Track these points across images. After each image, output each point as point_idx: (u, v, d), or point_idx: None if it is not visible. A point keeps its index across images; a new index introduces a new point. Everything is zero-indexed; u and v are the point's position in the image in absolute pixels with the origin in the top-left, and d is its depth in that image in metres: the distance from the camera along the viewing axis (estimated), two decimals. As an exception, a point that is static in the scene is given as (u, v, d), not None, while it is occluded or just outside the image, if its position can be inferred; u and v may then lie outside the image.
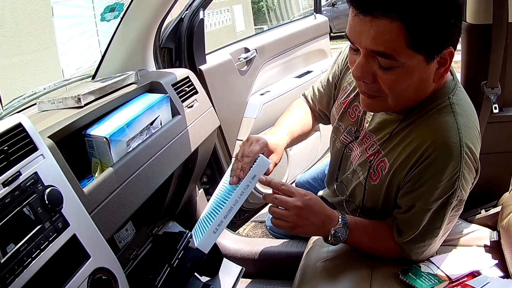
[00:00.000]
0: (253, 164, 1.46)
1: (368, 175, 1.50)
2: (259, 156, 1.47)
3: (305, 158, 3.31)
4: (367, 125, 1.55)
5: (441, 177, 1.30)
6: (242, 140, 2.64)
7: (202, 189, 2.52)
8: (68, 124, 1.42)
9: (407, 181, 1.38)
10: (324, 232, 1.47)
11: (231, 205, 1.40)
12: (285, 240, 2.51)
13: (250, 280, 2.47)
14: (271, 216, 1.46)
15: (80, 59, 6.88)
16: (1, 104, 1.58)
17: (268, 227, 2.58)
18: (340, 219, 1.46)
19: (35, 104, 1.72)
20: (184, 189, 2.11)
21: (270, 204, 1.45)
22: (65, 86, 2.08)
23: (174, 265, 1.82)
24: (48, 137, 1.31)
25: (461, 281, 1.39)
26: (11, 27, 6.05)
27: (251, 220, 3.31)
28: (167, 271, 1.80)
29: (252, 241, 2.59)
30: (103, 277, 1.20)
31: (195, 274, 2.06)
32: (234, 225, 3.00)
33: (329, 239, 1.47)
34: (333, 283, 1.51)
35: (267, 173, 1.47)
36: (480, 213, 1.76)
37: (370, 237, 1.53)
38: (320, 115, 1.93)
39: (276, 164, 1.60)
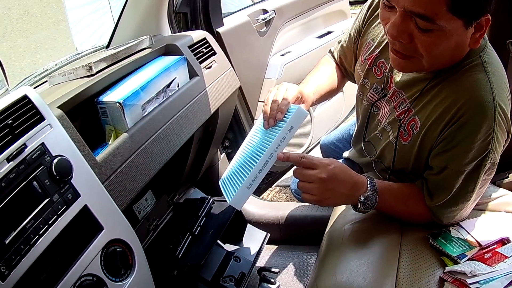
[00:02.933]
0: (287, 113, 1.40)
1: (399, 134, 1.44)
2: (290, 106, 1.42)
3: (329, 119, 3.21)
4: (395, 82, 1.47)
5: (475, 138, 1.25)
6: (263, 102, 2.59)
7: (224, 154, 2.45)
8: (79, 93, 1.36)
9: (440, 141, 1.31)
10: (353, 200, 1.39)
11: (266, 159, 1.32)
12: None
13: (275, 246, 2.41)
14: (295, 179, 1.38)
15: (94, 36, 6.86)
16: (6, 79, 1.50)
17: (293, 191, 2.49)
18: (369, 185, 1.38)
19: (47, 81, 1.64)
20: (205, 153, 2.04)
21: (295, 167, 1.37)
22: (77, 60, 2.00)
23: (196, 233, 1.76)
24: (58, 107, 1.24)
25: (490, 248, 1.33)
26: (19, 9, 5.99)
27: (275, 184, 3.24)
28: (189, 240, 1.74)
29: (276, 205, 2.52)
30: (118, 249, 1.14)
31: (218, 241, 2.00)
32: (258, 190, 2.92)
33: (359, 207, 1.39)
34: (362, 248, 1.43)
35: None
36: (508, 177, 1.67)
37: (399, 202, 1.46)
38: (347, 72, 1.85)
39: None
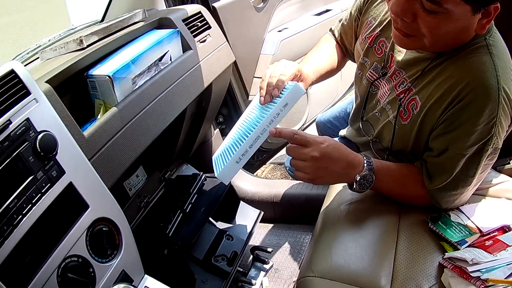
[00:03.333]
0: (284, 90, 1.36)
1: (398, 114, 1.40)
2: (288, 84, 1.38)
3: (325, 97, 3.16)
4: (396, 61, 1.43)
5: (478, 121, 1.21)
6: (259, 78, 2.52)
7: (217, 129, 2.39)
8: (68, 67, 1.29)
9: (441, 122, 1.28)
10: (348, 179, 1.35)
11: (258, 134, 1.29)
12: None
13: (269, 225, 2.36)
14: (289, 156, 1.34)
15: (91, 13, 6.69)
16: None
17: (287, 168, 2.45)
18: (365, 164, 1.34)
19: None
20: (197, 129, 1.99)
21: (288, 144, 1.33)
22: (71, 35, 1.93)
23: (187, 211, 1.71)
24: (46, 82, 1.18)
25: (491, 235, 1.29)
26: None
27: (270, 162, 3.19)
28: (180, 218, 1.70)
29: (270, 183, 2.47)
30: (104, 229, 1.09)
31: (210, 219, 1.96)
32: (251, 167, 2.89)
33: (354, 186, 1.34)
34: (358, 229, 1.40)
35: None
36: (509, 163, 1.63)
37: (397, 183, 1.42)
38: (347, 51, 1.80)
39: None
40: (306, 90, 1.61)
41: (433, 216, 1.38)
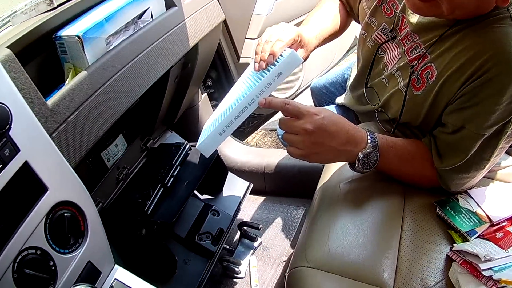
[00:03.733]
0: (280, 58, 1.24)
1: (410, 82, 1.26)
2: (285, 50, 1.26)
3: (321, 62, 2.97)
4: (409, 23, 1.30)
5: (500, 99, 1.09)
6: (251, 39, 2.35)
7: (206, 94, 2.21)
8: (33, 29, 1.12)
9: (459, 95, 1.15)
10: (349, 157, 1.21)
11: (245, 105, 1.17)
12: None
13: (259, 197, 2.22)
14: None
15: None
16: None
17: (279, 136, 2.28)
18: (369, 140, 1.20)
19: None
20: (183, 93, 1.82)
21: (281, 117, 1.20)
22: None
23: (168, 185, 1.56)
24: (8, 47, 1.01)
25: (501, 225, 1.17)
26: None
27: (261, 128, 3.03)
28: (160, 193, 1.54)
29: (261, 152, 2.31)
30: (66, 214, 0.93)
31: (195, 192, 1.82)
32: (241, 134, 2.72)
33: (356, 165, 1.20)
34: (360, 211, 1.25)
35: None
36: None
37: (404, 161, 1.27)
38: (352, 10, 1.64)
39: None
40: (307, 57, 1.47)
41: (441, 200, 1.24)
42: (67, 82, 1.17)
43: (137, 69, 1.30)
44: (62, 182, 0.94)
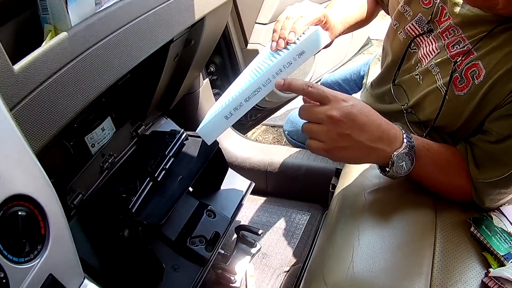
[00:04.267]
0: (302, 36, 1.06)
1: (452, 81, 1.08)
2: (308, 28, 1.09)
3: (333, 57, 2.76)
4: (453, 14, 1.14)
5: None
6: (262, 24, 2.16)
7: (207, 79, 1.99)
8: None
9: (510, 100, 0.99)
10: (380, 157, 1.00)
11: (259, 85, 0.98)
12: (307, 150, 1.99)
13: (260, 198, 2.01)
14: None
15: None
16: None
17: (286, 133, 2.08)
18: (405, 139, 0.99)
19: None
20: (183, 75, 1.59)
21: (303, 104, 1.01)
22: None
23: (159, 179, 1.33)
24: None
25: None
26: None
27: (262, 123, 2.82)
28: (148, 188, 1.32)
29: (265, 148, 2.10)
30: (21, 213, 0.69)
31: (190, 189, 1.60)
32: (242, 127, 2.48)
33: (389, 169, 1.00)
34: (388, 226, 1.04)
35: None
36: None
37: (439, 169, 1.07)
38: None
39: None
40: (331, 43, 1.31)
41: (475, 218, 1.05)
42: (43, 45, 0.94)
43: (130, 36, 1.07)
44: (17, 170, 0.70)
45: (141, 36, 1.11)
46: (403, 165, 0.99)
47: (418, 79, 1.21)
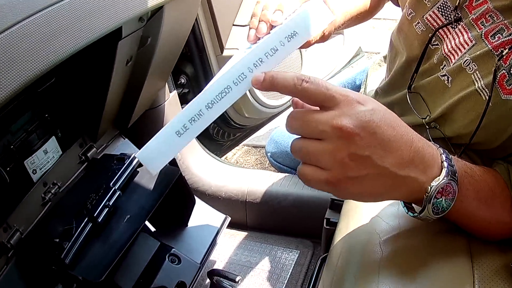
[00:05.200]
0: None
1: (497, 81, 0.78)
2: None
3: (323, 64, 2.46)
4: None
5: None
6: (241, 26, 1.87)
7: (175, 91, 1.68)
8: None
9: None
10: (409, 190, 0.67)
11: (228, 83, 0.66)
12: (296, 174, 1.69)
13: (238, 232, 1.69)
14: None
15: None
16: None
17: (269, 155, 1.77)
18: (445, 162, 0.67)
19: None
20: (139, 85, 1.28)
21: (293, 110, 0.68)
22: None
23: (99, 220, 1.02)
24: None
25: None
26: None
27: (244, 143, 2.52)
28: (87, 231, 1.00)
29: (243, 173, 1.77)
30: None
31: (147, 223, 1.30)
32: (219, 148, 2.16)
33: (422, 208, 0.68)
34: (417, 285, 0.72)
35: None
36: None
37: (483, 202, 0.75)
38: None
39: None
40: (329, 35, 1.04)
41: None
42: None
43: (43, 26, 0.76)
44: None
45: (68, 22, 0.79)
46: (442, 201, 0.67)
47: (446, 82, 0.91)
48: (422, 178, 0.65)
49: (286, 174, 1.70)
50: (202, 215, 1.40)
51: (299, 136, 0.64)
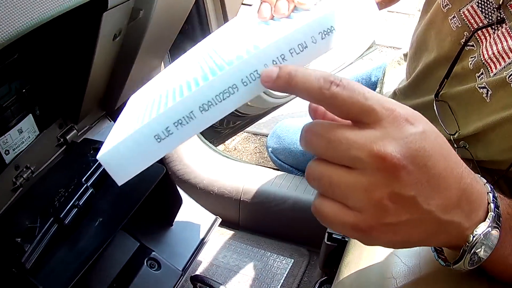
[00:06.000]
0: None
1: None
2: None
3: (333, 55, 2.27)
4: None
5: None
6: (249, 4, 1.68)
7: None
8: None
9: None
10: (448, 239, 0.51)
11: (235, 80, 0.48)
12: (298, 174, 1.54)
13: (228, 231, 1.54)
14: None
15: None
16: None
17: (270, 149, 1.61)
18: (492, 204, 0.50)
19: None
20: (129, 62, 1.12)
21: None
22: None
23: (66, 222, 0.87)
24: None
25: None
26: None
27: (246, 130, 2.38)
28: (51, 233, 0.85)
29: (240, 168, 1.61)
30: None
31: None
32: (216, 136, 1.99)
33: (462, 260, 0.51)
34: None
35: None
36: None
37: None
38: None
39: None
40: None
41: None
42: None
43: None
44: None
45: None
46: (481, 250, 0.51)
47: (484, 95, 0.77)
48: (465, 223, 0.49)
49: (287, 174, 1.55)
50: (190, 214, 1.25)
51: (317, 158, 0.48)
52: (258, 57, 0.47)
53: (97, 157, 0.48)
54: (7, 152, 0.99)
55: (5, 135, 0.96)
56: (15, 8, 0.62)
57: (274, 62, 0.47)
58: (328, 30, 0.48)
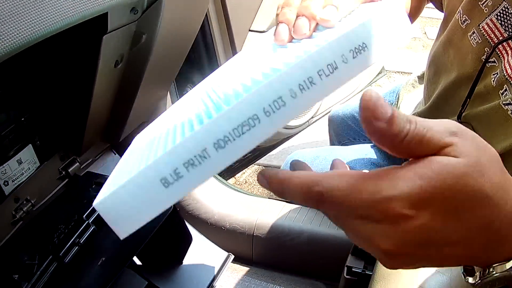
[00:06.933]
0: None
1: None
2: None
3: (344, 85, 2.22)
4: None
5: None
6: (258, 31, 1.65)
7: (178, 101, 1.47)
8: None
9: None
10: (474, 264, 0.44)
11: (256, 110, 0.38)
12: (311, 208, 1.46)
13: (242, 267, 1.45)
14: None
15: None
16: None
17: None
18: None
19: None
20: (132, 91, 1.06)
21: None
22: None
23: (66, 261, 0.80)
24: None
25: None
26: None
27: (256, 162, 2.33)
28: (51, 271, 0.79)
29: (253, 202, 1.53)
30: None
31: (135, 258, 1.10)
32: (226, 169, 1.95)
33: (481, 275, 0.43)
34: None
35: None
36: None
37: None
38: None
39: None
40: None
41: None
42: None
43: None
44: None
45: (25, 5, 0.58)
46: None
47: (509, 112, 0.72)
48: (489, 259, 0.42)
49: (301, 207, 1.47)
50: (201, 251, 1.18)
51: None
52: (281, 80, 0.39)
53: (94, 204, 0.39)
54: (6, 183, 0.94)
55: (4, 165, 0.91)
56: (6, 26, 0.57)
57: (301, 88, 0.39)
58: (360, 47, 0.40)
